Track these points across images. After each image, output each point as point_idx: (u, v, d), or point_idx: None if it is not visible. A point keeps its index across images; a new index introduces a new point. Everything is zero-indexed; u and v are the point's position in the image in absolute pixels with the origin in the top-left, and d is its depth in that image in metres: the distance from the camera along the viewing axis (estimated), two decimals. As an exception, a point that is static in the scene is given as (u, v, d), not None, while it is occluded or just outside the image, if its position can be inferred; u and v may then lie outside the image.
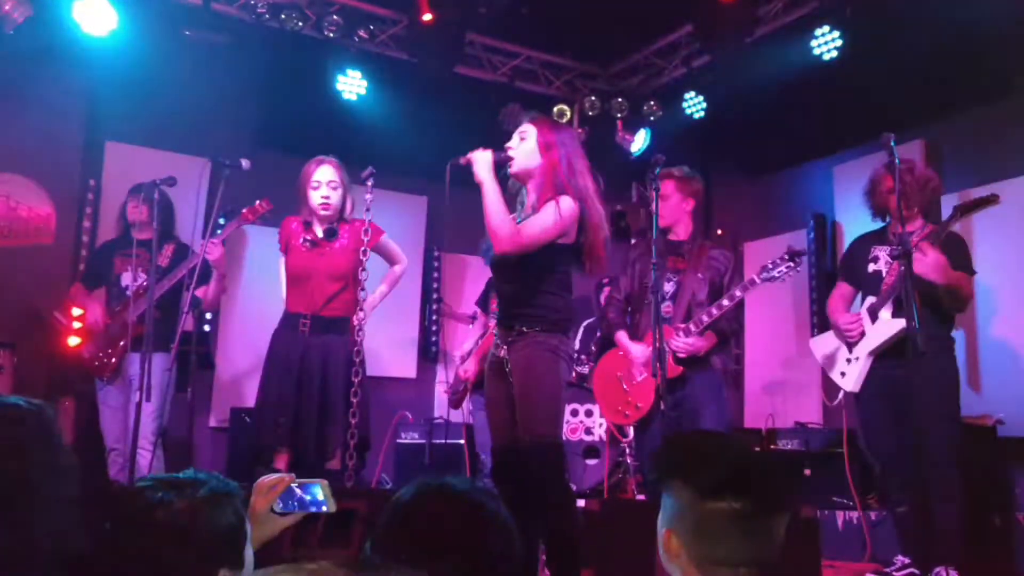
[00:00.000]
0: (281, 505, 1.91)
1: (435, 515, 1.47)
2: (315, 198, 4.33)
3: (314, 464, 4.15)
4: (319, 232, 4.38)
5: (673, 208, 4.27)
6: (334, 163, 4.39)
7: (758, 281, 4.12)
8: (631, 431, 5.34)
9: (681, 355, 4.10)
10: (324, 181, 4.34)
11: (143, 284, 4.46)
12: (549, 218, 3.05)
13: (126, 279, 4.61)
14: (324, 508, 1.94)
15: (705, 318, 4.09)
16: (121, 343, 4.47)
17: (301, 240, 4.38)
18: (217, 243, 4.37)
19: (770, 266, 4.16)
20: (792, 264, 4.11)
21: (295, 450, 4.19)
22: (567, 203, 3.06)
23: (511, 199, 3.29)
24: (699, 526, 1.46)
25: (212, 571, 1.52)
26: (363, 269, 4.22)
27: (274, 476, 1.95)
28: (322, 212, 4.35)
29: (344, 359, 4.24)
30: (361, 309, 4.21)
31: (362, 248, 4.26)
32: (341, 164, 4.42)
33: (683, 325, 4.13)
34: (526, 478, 3.02)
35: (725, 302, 4.09)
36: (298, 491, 1.94)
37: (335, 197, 4.36)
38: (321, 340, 4.26)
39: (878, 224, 4.21)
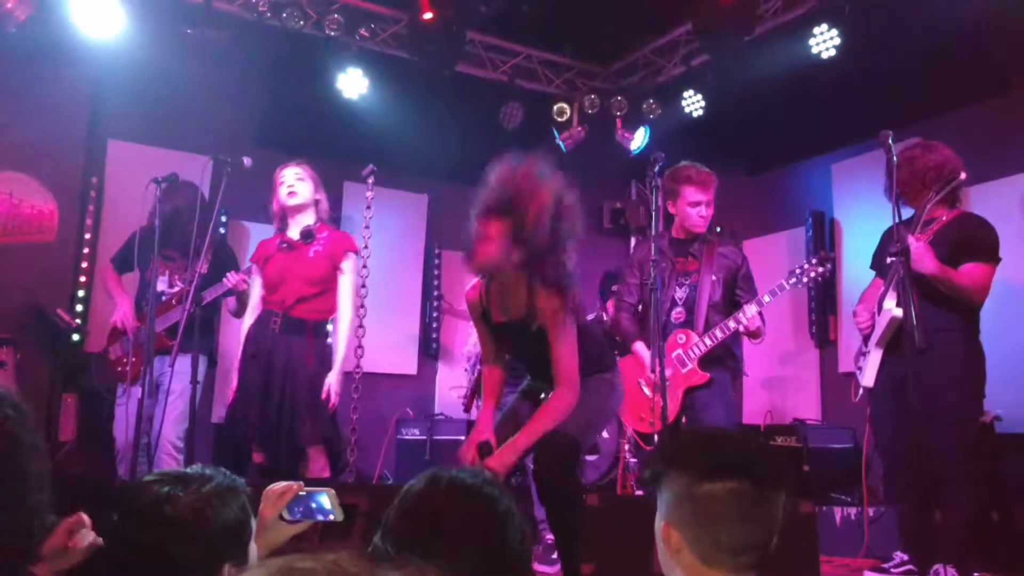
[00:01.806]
0: (289, 513, 1.94)
1: (450, 510, 1.48)
2: (282, 192, 4.36)
3: (287, 466, 4.15)
4: (295, 235, 4.37)
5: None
6: (300, 163, 4.44)
7: (787, 286, 4.13)
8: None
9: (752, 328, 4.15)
10: (289, 174, 4.38)
11: (177, 292, 4.45)
12: (565, 339, 3.05)
13: (161, 283, 4.49)
14: (331, 516, 1.97)
15: (732, 324, 4.12)
16: (147, 349, 4.39)
17: (278, 244, 4.37)
18: (246, 277, 4.35)
19: (798, 271, 4.16)
20: (821, 269, 4.11)
21: (264, 448, 4.19)
22: (562, 315, 3.04)
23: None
24: (698, 511, 1.46)
25: (218, 565, 1.54)
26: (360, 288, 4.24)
27: (282, 484, 1.98)
28: (289, 202, 4.34)
29: (304, 361, 4.22)
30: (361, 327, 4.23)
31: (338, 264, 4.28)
32: (311, 167, 4.45)
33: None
34: (537, 471, 3.09)
35: (755, 309, 4.11)
36: (306, 499, 1.97)
37: (301, 187, 4.36)
38: (286, 340, 4.25)
39: (909, 213, 4.15)
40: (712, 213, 4.31)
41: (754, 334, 4.19)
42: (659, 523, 1.54)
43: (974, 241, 3.77)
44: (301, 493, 1.97)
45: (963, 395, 3.68)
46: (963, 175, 3.75)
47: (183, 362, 4.02)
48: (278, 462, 4.15)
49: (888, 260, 3.92)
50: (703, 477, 1.46)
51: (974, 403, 3.75)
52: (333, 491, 2.00)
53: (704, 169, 4.31)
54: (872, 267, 4.20)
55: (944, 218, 3.81)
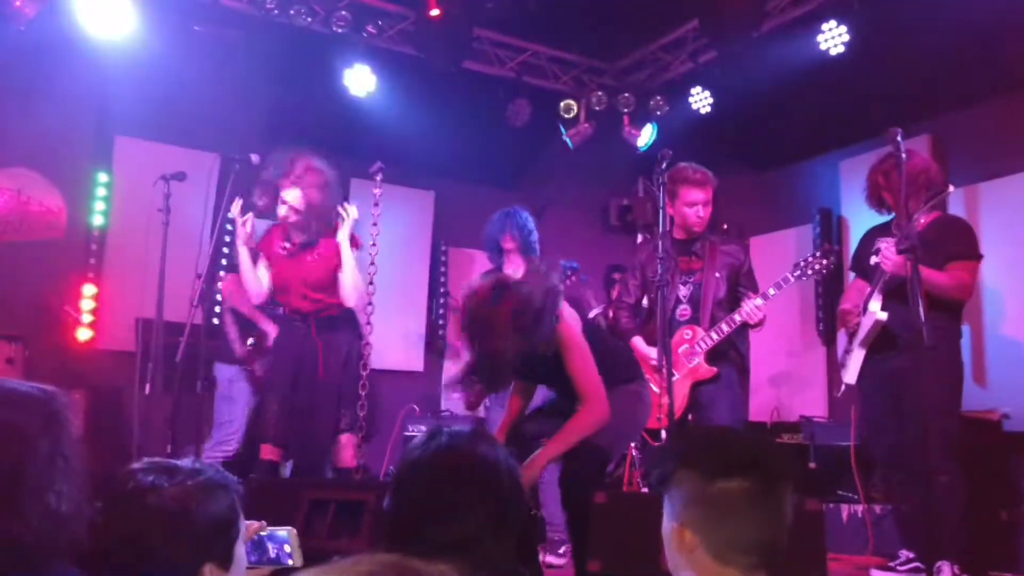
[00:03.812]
0: (249, 555, 1.90)
1: (450, 469, 1.61)
2: (290, 197, 4.10)
3: (315, 458, 4.17)
4: (297, 241, 4.25)
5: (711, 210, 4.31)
6: (325, 170, 4.25)
7: (791, 279, 4.13)
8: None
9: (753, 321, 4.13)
10: (309, 178, 4.15)
11: None
12: (580, 360, 3.08)
13: None
14: (289, 562, 1.95)
15: (738, 318, 4.11)
16: None
17: (279, 247, 4.28)
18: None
19: (803, 264, 4.16)
20: (825, 261, 4.11)
21: (287, 446, 4.18)
22: (570, 333, 3.10)
23: None
24: (711, 510, 1.47)
25: (199, 563, 1.49)
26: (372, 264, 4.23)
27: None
28: (293, 217, 4.16)
29: (343, 353, 4.20)
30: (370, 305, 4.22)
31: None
32: (335, 175, 4.28)
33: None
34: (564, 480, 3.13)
35: (760, 301, 4.10)
36: (267, 541, 1.96)
37: (311, 195, 4.12)
38: (316, 339, 4.21)
39: (888, 217, 4.19)
40: (710, 213, 4.31)
41: (756, 325, 4.23)
42: (668, 525, 1.53)
43: (956, 241, 3.87)
44: (263, 533, 1.94)
45: (947, 390, 3.78)
46: (951, 187, 3.88)
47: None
48: (310, 453, 4.15)
49: (874, 261, 3.98)
50: (715, 475, 1.46)
51: (956, 397, 3.87)
52: (295, 531, 1.98)
53: (701, 169, 4.30)
54: (852, 268, 4.25)
55: (923, 220, 3.85)
